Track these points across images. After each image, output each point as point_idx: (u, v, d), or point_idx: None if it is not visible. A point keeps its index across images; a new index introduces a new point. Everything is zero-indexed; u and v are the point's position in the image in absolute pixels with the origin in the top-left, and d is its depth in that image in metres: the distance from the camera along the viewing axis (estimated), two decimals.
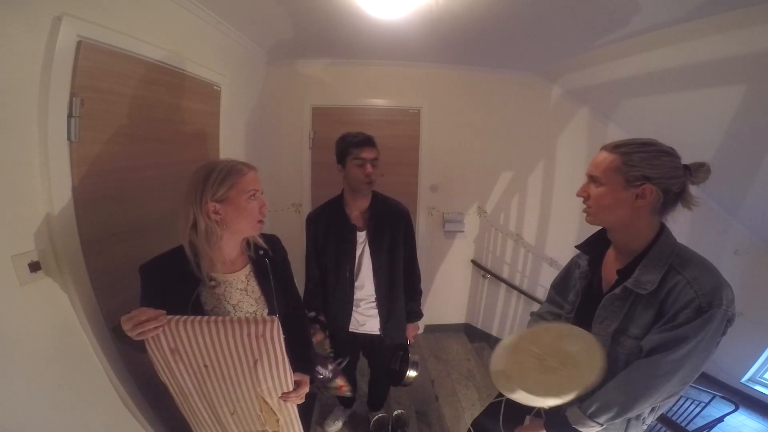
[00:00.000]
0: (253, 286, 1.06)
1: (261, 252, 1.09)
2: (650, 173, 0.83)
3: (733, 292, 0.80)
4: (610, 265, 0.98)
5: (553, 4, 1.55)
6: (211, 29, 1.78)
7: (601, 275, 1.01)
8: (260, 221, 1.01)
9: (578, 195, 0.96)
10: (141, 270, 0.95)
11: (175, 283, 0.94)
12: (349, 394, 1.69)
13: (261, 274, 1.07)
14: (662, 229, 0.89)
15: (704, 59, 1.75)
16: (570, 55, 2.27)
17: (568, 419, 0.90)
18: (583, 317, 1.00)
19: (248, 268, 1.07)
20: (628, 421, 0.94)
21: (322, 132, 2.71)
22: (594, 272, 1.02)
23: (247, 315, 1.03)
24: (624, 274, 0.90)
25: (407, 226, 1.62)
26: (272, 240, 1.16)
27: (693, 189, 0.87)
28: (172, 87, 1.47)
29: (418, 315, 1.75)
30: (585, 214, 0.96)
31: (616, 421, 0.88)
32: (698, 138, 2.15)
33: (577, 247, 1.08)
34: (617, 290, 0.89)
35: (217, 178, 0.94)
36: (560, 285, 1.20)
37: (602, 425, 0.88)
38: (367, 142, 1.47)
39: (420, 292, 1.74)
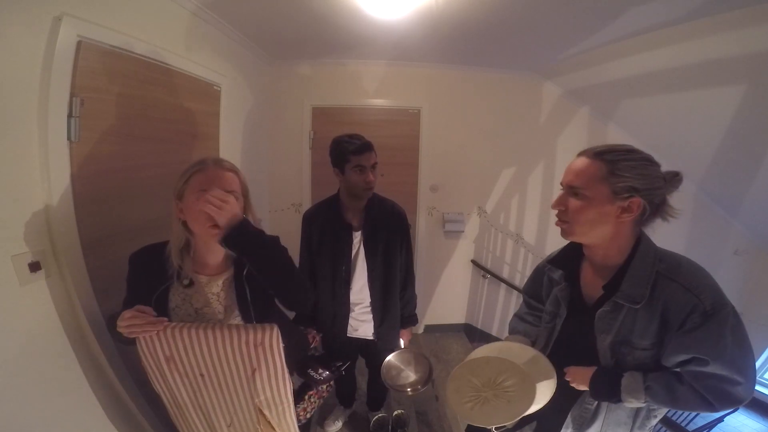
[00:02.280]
0: (227, 292, 0.98)
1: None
2: (638, 184, 0.77)
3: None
4: (590, 278, 0.94)
5: (553, 4, 1.55)
6: (211, 29, 1.77)
7: (580, 288, 0.96)
8: (213, 227, 0.84)
9: (554, 207, 0.88)
10: (129, 258, 0.96)
11: (152, 275, 0.93)
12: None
13: (241, 282, 0.98)
14: (640, 237, 0.84)
15: (704, 59, 1.75)
16: (570, 55, 2.26)
17: (622, 383, 0.83)
18: (569, 330, 0.98)
19: (229, 273, 0.99)
20: (631, 429, 0.93)
21: (322, 132, 2.70)
22: (573, 285, 0.97)
23: (212, 321, 0.97)
24: (610, 288, 0.86)
25: (404, 228, 1.59)
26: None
27: (671, 199, 0.83)
28: (172, 87, 1.47)
29: (414, 321, 1.72)
30: (561, 230, 0.88)
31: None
32: (698, 138, 2.15)
33: (549, 262, 1.02)
34: (607, 306, 0.85)
35: (181, 174, 0.90)
36: (531, 290, 1.18)
37: (643, 404, 0.85)
38: (366, 147, 1.41)
39: (416, 297, 1.72)
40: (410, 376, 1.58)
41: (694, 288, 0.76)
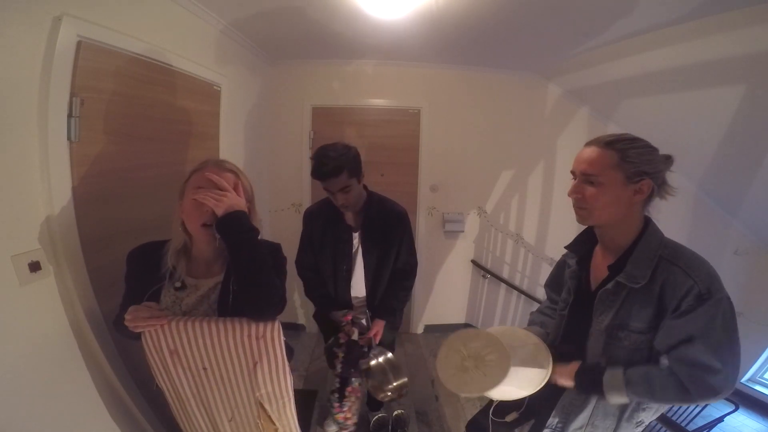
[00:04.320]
0: (214, 297, 0.96)
1: None
2: (647, 168, 0.84)
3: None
4: (599, 261, 0.98)
5: (553, 4, 1.55)
6: (211, 29, 1.77)
7: (589, 273, 1.01)
8: (204, 225, 0.88)
9: (571, 195, 0.92)
10: (127, 255, 0.97)
11: (147, 274, 0.93)
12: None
13: (226, 287, 0.96)
14: (648, 223, 0.90)
15: (704, 59, 1.75)
16: (570, 55, 2.26)
17: (604, 380, 0.87)
18: (576, 315, 1.01)
19: (219, 278, 0.97)
20: (619, 420, 0.94)
21: (322, 132, 2.70)
22: (583, 270, 1.02)
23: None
24: (615, 269, 0.90)
25: (401, 227, 1.58)
26: (269, 247, 1.03)
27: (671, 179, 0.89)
28: (173, 87, 1.47)
29: (391, 315, 1.61)
30: (577, 215, 0.93)
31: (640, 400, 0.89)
32: (698, 138, 2.15)
33: (566, 247, 1.08)
34: (609, 285, 0.89)
35: (187, 175, 0.92)
36: (553, 284, 1.21)
37: (628, 401, 0.88)
38: (325, 175, 1.32)
39: (406, 296, 1.65)
40: (390, 380, 1.49)
41: (692, 271, 0.80)
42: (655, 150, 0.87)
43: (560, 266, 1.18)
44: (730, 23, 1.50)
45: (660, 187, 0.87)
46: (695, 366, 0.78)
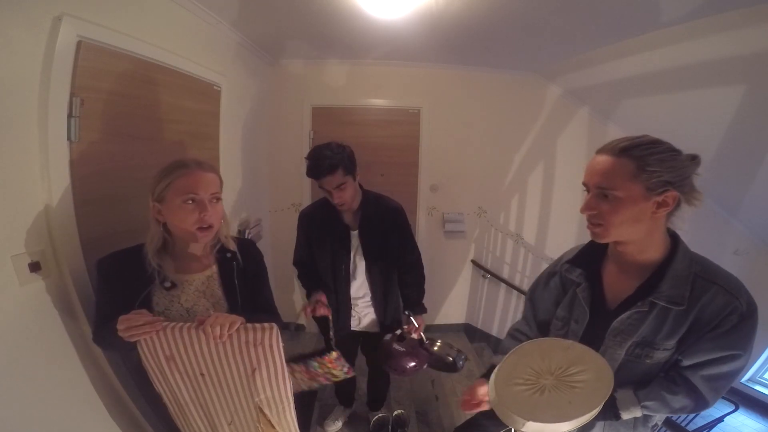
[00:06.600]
0: (214, 289, 1.00)
1: (229, 255, 1.03)
2: (670, 177, 0.72)
3: None
4: (614, 277, 0.89)
5: (553, 4, 1.55)
6: (211, 29, 1.77)
7: (603, 289, 0.90)
8: (200, 229, 0.91)
9: (584, 212, 0.81)
10: (97, 264, 0.95)
11: (130, 281, 0.92)
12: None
13: (227, 277, 1.01)
14: (676, 238, 0.83)
15: (704, 59, 1.75)
16: (570, 55, 2.26)
17: (617, 401, 0.82)
18: (589, 336, 0.91)
19: (212, 270, 1.01)
20: (634, 428, 0.91)
21: (322, 132, 2.70)
22: (595, 287, 0.91)
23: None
24: (645, 288, 0.82)
25: (400, 222, 1.60)
26: (245, 244, 1.10)
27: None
28: (172, 87, 1.47)
29: (422, 309, 1.68)
30: (592, 233, 0.82)
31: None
32: (698, 138, 2.14)
33: (569, 262, 0.96)
34: (644, 306, 0.80)
35: (160, 176, 0.92)
36: (537, 297, 1.06)
37: (641, 414, 0.85)
38: (321, 173, 1.36)
39: (422, 288, 1.69)
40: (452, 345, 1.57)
41: (733, 290, 0.76)
42: (678, 153, 0.75)
43: (543, 281, 1.06)
44: (729, 23, 1.50)
45: (687, 195, 0.76)
46: (727, 378, 0.78)
